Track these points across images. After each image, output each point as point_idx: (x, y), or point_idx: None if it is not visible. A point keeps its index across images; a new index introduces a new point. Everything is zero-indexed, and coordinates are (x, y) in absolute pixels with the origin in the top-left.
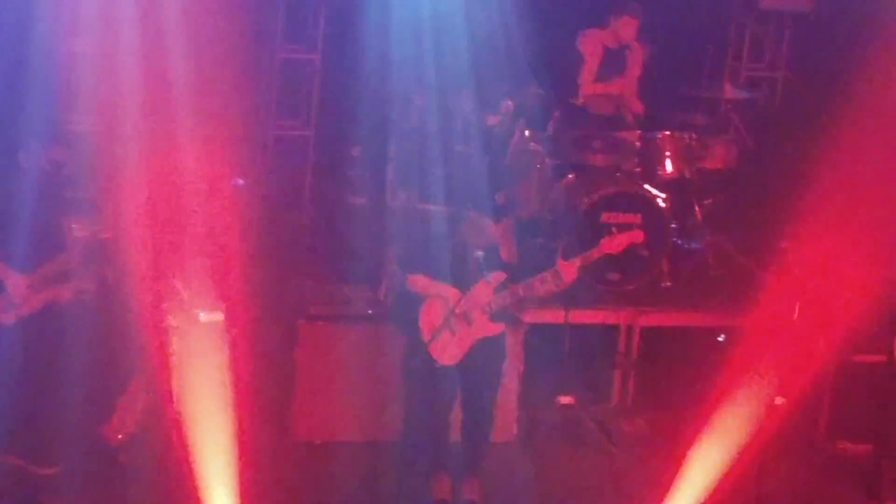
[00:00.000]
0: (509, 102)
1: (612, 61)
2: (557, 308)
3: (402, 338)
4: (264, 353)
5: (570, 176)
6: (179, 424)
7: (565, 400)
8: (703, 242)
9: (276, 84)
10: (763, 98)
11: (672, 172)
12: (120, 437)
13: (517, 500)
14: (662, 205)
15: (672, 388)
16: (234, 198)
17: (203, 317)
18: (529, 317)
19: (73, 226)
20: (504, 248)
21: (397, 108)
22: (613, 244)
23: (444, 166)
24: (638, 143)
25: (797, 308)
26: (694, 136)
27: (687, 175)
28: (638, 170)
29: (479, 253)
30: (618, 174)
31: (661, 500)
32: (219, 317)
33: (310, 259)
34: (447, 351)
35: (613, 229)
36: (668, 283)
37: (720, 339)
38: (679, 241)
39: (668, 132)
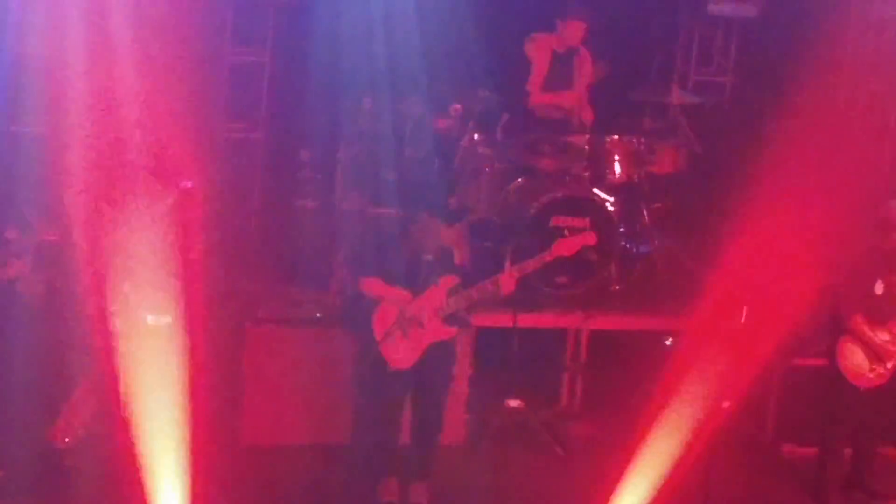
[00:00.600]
0: (458, 106)
1: (561, 66)
2: (506, 311)
3: (352, 340)
4: (212, 357)
5: (518, 179)
6: (127, 428)
7: (514, 403)
8: (652, 246)
9: (225, 87)
10: (711, 103)
11: (620, 176)
12: (66, 440)
13: None
14: (611, 209)
15: (620, 392)
16: (182, 200)
17: (151, 320)
18: (478, 320)
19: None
20: (457, 251)
21: (347, 112)
22: (566, 247)
23: (394, 169)
24: (587, 147)
25: (744, 312)
26: (642, 140)
27: (635, 179)
28: (587, 174)
29: (430, 256)
30: (566, 178)
31: (608, 502)
32: (167, 320)
33: (259, 262)
34: (400, 354)
35: (566, 232)
36: (617, 287)
37: (668, 342)
38: (627, 245)
39: (616, 136)
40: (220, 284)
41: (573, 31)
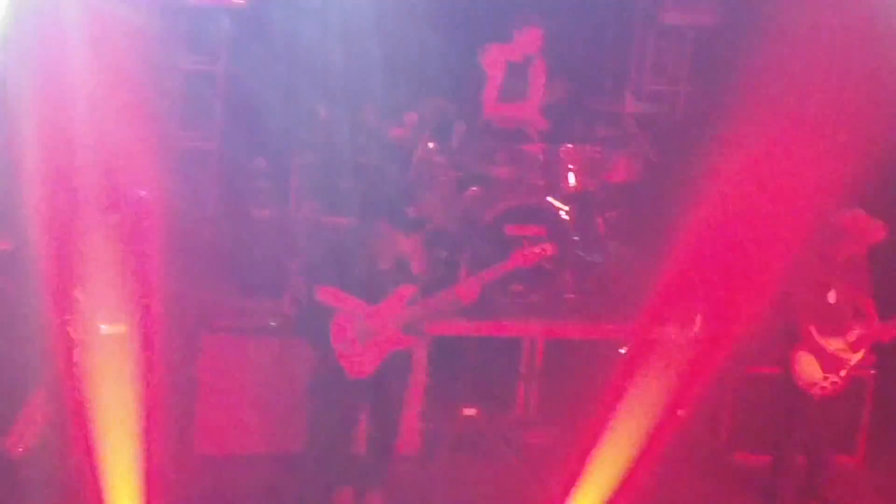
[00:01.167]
0: (413, 115)
1: (516, 76)
2: (461, 320)
3: (308, 349)
4: (167, 366)
5: (473, 188)
6: (81, 437)
7: (469, 412)
8: (606, 255)
9: (180, 96)
10: (665, 111)
11: (575, 185)
12: (21, 450)
13: None
14: (565, 217)
15: (575, 400)
16: (136, 209)
17: (105, 329)
18: (433, 329)
19: None
20: (415, 261)
21: (302, 121)
22: (525, 258)
23: (350, 178)
24: (541, 156)
25: (697, 320)
26: (597, 149)
27: (590, 188)
28: (541, 182)
29: (387, 266)
30: (521, 187)
31: None
32: (121, 329)
33: (213, 271)
34: (357, 363)
35: (523, 241)
36: (572, 296)
37: (622, 350)
38: (582, 254)
39: (571, 145)
40: (175, 293)
41: (529, 39)
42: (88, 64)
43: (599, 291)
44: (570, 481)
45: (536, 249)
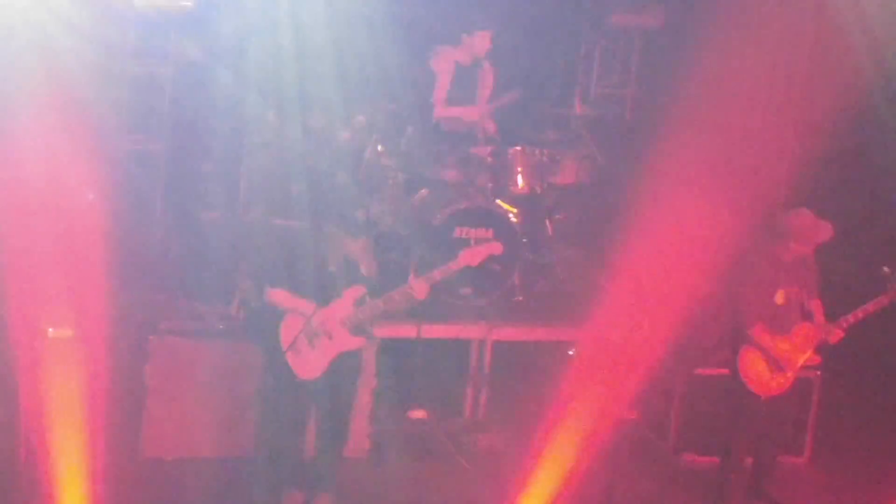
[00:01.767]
0: (362, 118)
1: (465, 78)
2: (410, 323)
3: (256, 352)
4: (114, 369)
5: (422, 191)
6: (29, 441)
7: (417, 414)
8: (554, 257)
9: (127, 99)
10: (613, 114)
11: (523, 188)
12: None
13: None
14: (514, 220)
15: (523, 402)
16: (84, 213)
17: (52, 332)
18: (382, 331)
19: None
20: (363, 263)
21: (250, 124)
22: (472, 256)
23: (298, 181)
24: (490, 159)
25: (646, 322)
26: (545, 151)
27: (538, 190)
28: (490, 185)
29: (335, 268)
30: (470, 189)
31: None
32: (68, 332)
33: (161, 274)
34: (306, 365)
35: (472, 241)
36: (520, 298)
37: (571, 353)
38: (530, 256)
39: (519, 148)
40: (122, 297)
41: (478, 43)
42: (34, 68)
43: (548, 293)
44: (519, 484)
45: (484, 248)
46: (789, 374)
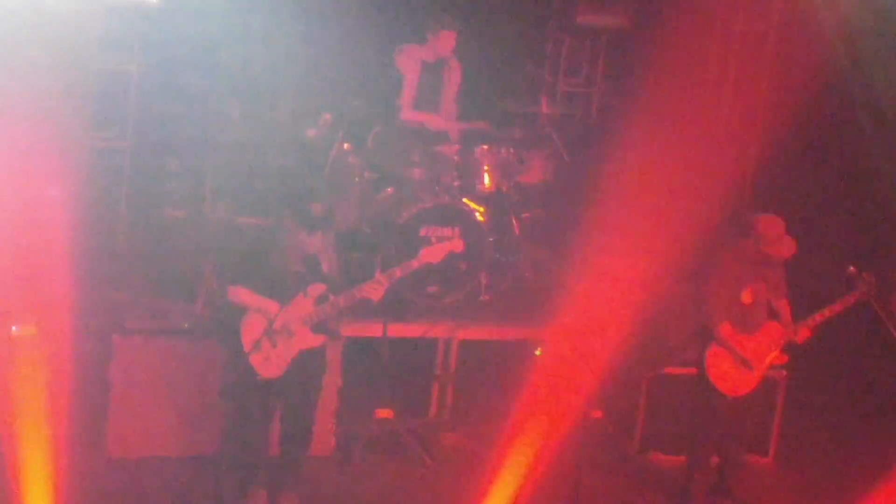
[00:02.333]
0: (327, 115)
1: (431, 76)
2: (376, 321)
3: (221, 351)
4: (78, 367)
5: (388, 189)
6: None
7: (383, 413)
8: (521, 256)
9: (92, 95)
10: (579, 113)
11: (490, 186)
12: None
13: None
14: (480, 218)
15: (489, 401)
16: (48, 209)
17: (16, 330)
18: (348, 330)
19: None
20: (324, 260)
21: (215, 121)
22: (433, 253)
23: (263, 178)
24: (456, 157)
25: (612, 321)
26: (512, 150)
27: (504, 189)
28: (456, 183)
29: (296, 265)
30: (437, 187)
31: None
32: (32, 330)
33: (126, 272)
34: (268, 363)
35: (433, 239)
36: (486, 297)
37: (537, 352)
38: (497, 255)
39: (486, 146)
40: (87, 295)
41: (443, 41)
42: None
43: (514, 292)
44: (484, 483)
45: (444, 246)
46: (755, 374)
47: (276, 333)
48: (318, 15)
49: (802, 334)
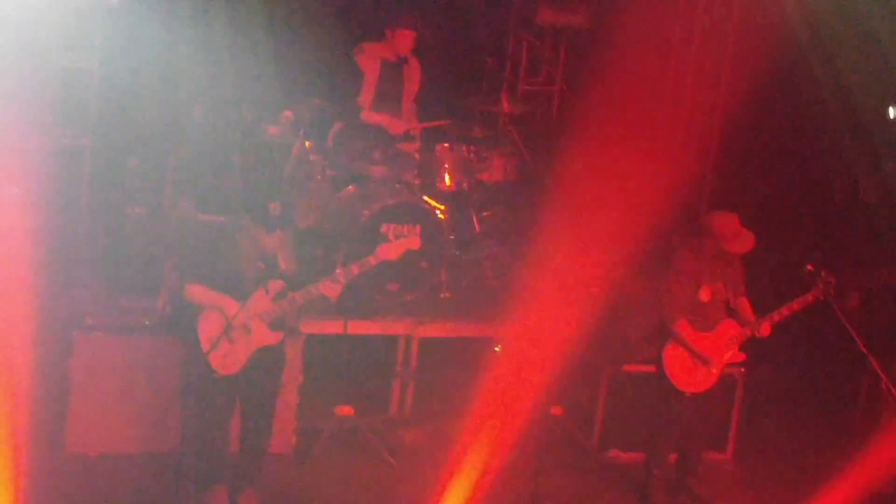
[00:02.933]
0: (289, 113)
1: (391, 75)
2: (337, 319)
3: (181, 348)
4: (38, 364)
5: (350, 187)
6: None
7: (344, 411)
8: (481, 254)
9: (53, 92)
10: (540, 111)
11: (451, 184)
12: None
13: None
14: (441, 216)
15: (450, 398)
16: (8, 207)
17: None
18: (308, 327)
19: None
20: (281, 257)
21: (177, 118)
22: (390, 251)
23: (223, 176)
24: (417, 155)
25: (572, 318)
26: (472, 148)
27: (465, 187)
28: (417, 181)
29: (254, 263)
30: (397, 185)
31: None
32: None
33: (86, 269)
34: (227, 360)
35: (390, 236)
36: (447, 294)
37: (497, 349)
38: (457, 253)
39: (447, 144)
40: (47, 291)
41: (403, 40)
42: None
43: (475, 290)
44: (444, 480)
45: (402, 243)
46: (713, 371)
47: (235, 330)
48: (280, 13)
49: (764, 329)
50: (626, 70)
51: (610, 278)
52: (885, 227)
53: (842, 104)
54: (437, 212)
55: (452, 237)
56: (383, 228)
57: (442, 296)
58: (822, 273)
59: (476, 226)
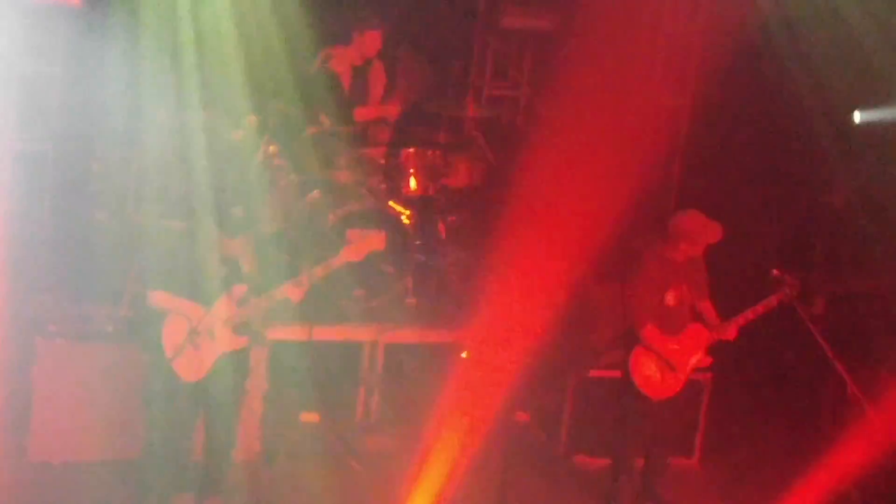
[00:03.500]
0: (253, 117)
1: (359, 78)
2: (302, 325)
3: (145, 355)
4: (0, 371)
5: (315, 192)
6: None
7: (309, 417)
8: (447, 259)
9: (15, 97)
10: (506, 116)
11: (416, 189)
12: None
13: None
14: (406, 221)
15: (415, 404)
16: None
17: None
18: (273, 334)
19: None
20: (245, 261)
21: (140, 123)
22: (354, 252)
23: (187, 181)
24: (382, 160)
25: (537, 323)
26: (438, 153)
27: (431, 192)
28: (383, 186)
29: (217, 268)
30: (362, 191)
31: None
32: None
33: (49, 275)
34: (191, 366)
35: (356, 237)
36: (412, 300)
37: (463, 355)
38: (423, 258)
39: (412, 149)
40: (10, 298)
41: (370, 41)
42: None
43: (440, 296)
44: (410, 486)
45: (365, 244)
46: (680, 376)
47: (199, 336)
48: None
49: (731, 332)
50: (591, 74)
51: (576, 283)
52: (851, 232)
53: (809, 108)
54: (403, 217)
55: (418, 242)
56: (349, 234)
57: (407, 301)
58: (787, 277)
59: (442, 231)
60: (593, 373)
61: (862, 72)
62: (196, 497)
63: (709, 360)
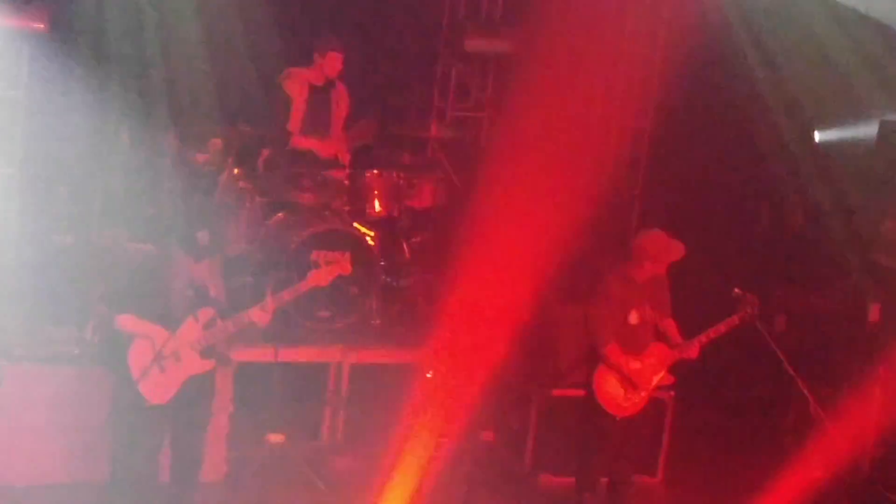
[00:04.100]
0: (217, 140)
1: (319, 99)
2: (267, 346)
3: (111, 378)
4: None
5: (279, 214)
6: None
7: (275, 438)
8: (412, 280)
9: None
10: (469, 137)
11: (380, 211)
12: None
13: None
14: (371, 243)
15: (381, 425)
16: None
17: None
18: (239, 355)
19: None
20: (211, 285)
21: (104, 146)
22: (321, 277)
23: (151, 204)
24: (346, 182)
25: (501, 343)
26: (402, 175)
27: (395, 213)
28: (347, 208)
29: (183, 291)
30: (327, 212)
31: None
32: None
33: (13, 298)
34: (157, 389)
35: (321, 262)
36: (377, 321)
37: (428, 375)
38: (388, 279)
39: (376, 171)
40: None
41: (331, 62)
42: None
43: (405, 317)
44: None
45: (332, 269)
46: (643, 395)
47: (165, 359)
48: (208, 39)
49: (693, 350)
50: (553, 96)
51: (539, 303)
52: (811, 251)
53: (769, 129)
54: (367, 238)
55: (383, 263)
56: (313, 255)
57: (373, 322)
58: (748, 296)
59: (406, 252)
60: (557, 392)
61: (820, 95)
62: None
63: (671, 378)
